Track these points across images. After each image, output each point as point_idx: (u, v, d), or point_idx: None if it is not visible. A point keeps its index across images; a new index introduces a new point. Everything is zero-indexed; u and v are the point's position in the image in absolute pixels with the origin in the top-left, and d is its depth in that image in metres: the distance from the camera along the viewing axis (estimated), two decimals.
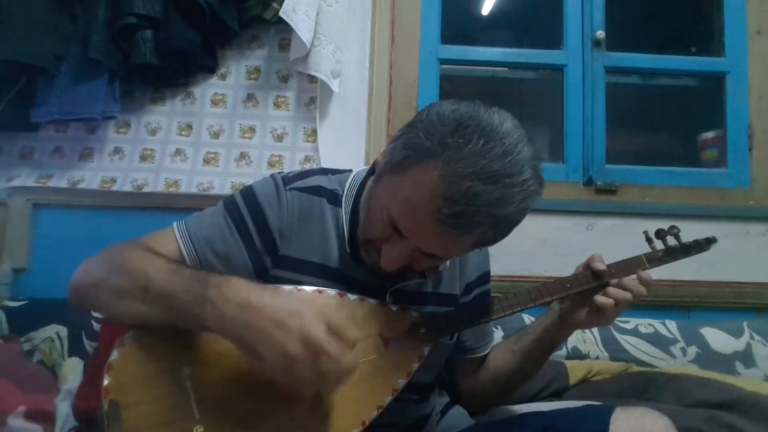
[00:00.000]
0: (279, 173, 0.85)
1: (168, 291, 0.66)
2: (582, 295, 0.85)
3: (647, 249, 0.92)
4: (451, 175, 0.63)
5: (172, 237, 0.79)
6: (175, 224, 0.81)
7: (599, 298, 0.82)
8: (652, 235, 0.91)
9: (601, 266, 0.85)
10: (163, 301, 0.66)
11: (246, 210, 0.80)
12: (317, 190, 0.84)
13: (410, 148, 0.67)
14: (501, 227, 0.67)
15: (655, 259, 0.90)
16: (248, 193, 0.83)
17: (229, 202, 0.83)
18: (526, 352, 0.93)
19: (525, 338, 0.94)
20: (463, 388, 1.00)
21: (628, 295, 0.82)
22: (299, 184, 0.83)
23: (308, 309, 0.61)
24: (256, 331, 0.59)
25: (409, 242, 0.70)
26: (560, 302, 0.89)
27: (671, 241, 0.91)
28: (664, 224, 0.92)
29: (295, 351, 0.58)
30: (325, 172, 0.88)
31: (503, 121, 0.67)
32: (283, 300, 0.63)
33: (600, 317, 0.84)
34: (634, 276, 0.86)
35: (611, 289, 0.83)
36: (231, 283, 0.64)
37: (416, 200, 0.65)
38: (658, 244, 0.91)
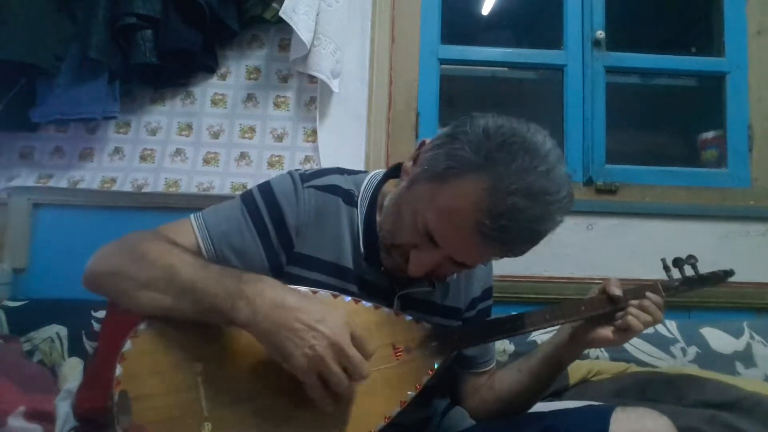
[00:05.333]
0: (296, 170, 0.85)
1: (197, 285, 0.66)
2: (596, 318, 0.85)
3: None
4: (497, 190, 0.64)
5: (190, 229, 0.78)
6: (192, 216, 0.80)
7: (631, 320, 0.82)
8: (669, 263, 0.90)
9: (617, 292, 0.84)
10: (189, 295, 0.66)
11: (264, 206, 0.80)
12: (333, 189, 0.84)
13: (453, 159, 0.68)
14: (534, 240, 0.70)
15: (671, 288, 0.89)
16: (266, 189, 0.82)
17: (247, 198, 0.82)
18: (533, 372, 0.91)
19: (533, 358, 0.93)
20: (470, 406, 0.98)
21: (650, 318, 0.83)
22: (316, 182, 0.83)
23: (338, 317, 0.64)
24: (288, 329, 0.62)
25: (441, 250, 0.71)
26: (572, 323, 0.88)
27: (688, 270, 0.90)
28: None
29: (323, 352, 0.61)
30: (341, 172, 0.88)
31: (545, 140, 0.69)
32: (316, 305, 0.65)
33: (623, 337, 0.84)
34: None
35: (634, 311, 0.83)
36: (265, 281, 0.66)
37: (458, 211, 0.66)
38: (675, 273, 0.90)
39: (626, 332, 0.83)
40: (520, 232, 0.66)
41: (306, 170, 0.86)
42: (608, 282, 0.86)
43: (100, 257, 0.74)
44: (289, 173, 0.84)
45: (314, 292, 0.75)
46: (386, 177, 0.86)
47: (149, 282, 0.68)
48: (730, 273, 0.93)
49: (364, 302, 0.78)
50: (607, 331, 0.84)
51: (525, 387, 0.92)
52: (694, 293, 0.92)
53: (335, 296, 0.77)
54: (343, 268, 0.81)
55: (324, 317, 0.63)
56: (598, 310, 0.85)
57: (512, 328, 0.84)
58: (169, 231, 0.77)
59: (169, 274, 0.67)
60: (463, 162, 0.66)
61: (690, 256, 0.89)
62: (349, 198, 0.84)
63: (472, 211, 0.65)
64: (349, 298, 0.77)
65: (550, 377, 0.91)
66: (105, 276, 0.72)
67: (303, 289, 0.75)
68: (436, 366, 0.79)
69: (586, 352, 1.32)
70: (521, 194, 0.64)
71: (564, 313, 0.85)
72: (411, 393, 0.76)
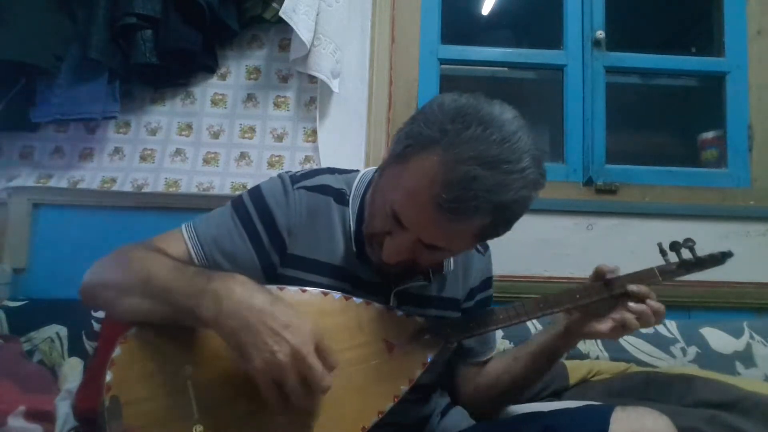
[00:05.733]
0: (287, 173, 0.86)
1: (169, 285, 0.67)
2: (591, 307, 0.85)
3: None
4: (449, 161, 0.63)
5: (180, 238, 0.79)
6: (183, 225, 0.81)
7: (627, 317, 0.80)
8: (666, 247, 0.88)
9: (612, 276, 0.84)
10: (164, 297, 0.67)
11: (254, 209, 0.81)
12: (324, 189, 0.84)
13: (411, 137, 0.68)
14: (500, 216, 0.67)
15: (668, 272, 0.88)
16: (256, 192, 0.83)
17: (237, 202, 0.83)
18: (528, 361, 0.92)
19: (528, 346, 0.93)
20: (463, 394, 1.00)
21: (652, 319, 0.81)
22: (307, 183, 0.84)
23: (305, 326, 0.63)
24: (251, 331, 0.61)
25: (410, 233, 0.70)
26: (567, 313, 0.88)
27: (686, 254, 0.88)
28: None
29: (283, 359, 0.60)
30: (332, 172, 0.89)
31: (503, 111, 0.68)
32: (285, 309, 0.64)
33: (618, 333, 0.83)
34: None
35: (635, 306, 0.81)
36: (236, 278, 0.66)
37: (416, 187, 0.66)
38: (672, 257, 0.89)
39: (623, 328, 0.82)
40: (478, 203, 0.64)
41: (296, 172, 0.86)
42: (601, 268, 0.86)
43: (92, 271, 0.76)
44: (279, 175, 0.85)
45: (304, 291, 0.76)
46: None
47: (130, 288, 0.69)
48: (728, 254, 0.91)
49: (354, 299, 0.78)
50: (602, 326, 0.83)
51: (520, 375, 0.92)
52: (692, 275, 0.90)
53: (325, 294, 0.77)
54: (337, 267, 0.81)
55: (290, 323, 0.62)
56: (593, 297, 0.84)
57: (506, 318, 0.83)
58: (160, 241, 0.79)
59: (146, 278, 0.68)
60: (419, 138, 0.67)
61: (687, 240, 0.87)
62: (341, 197, 0.84)
63: (429, 186, 0.64)
64: (339, 295, 0.78)
65: (545, 367, 0.92)
66: (95, 287, 0.74)
67: (292, 288, 0.76)
68: (429, 359, 0.79)
69: (586, 351, 1.34)
70: (474, 162, 0.63)
71: (558, 301, 0.84)
72: (404, 387, 0.76)
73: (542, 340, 0.91)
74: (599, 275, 0.86)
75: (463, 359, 0.98)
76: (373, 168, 0.89)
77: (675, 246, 0.88)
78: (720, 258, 0.91)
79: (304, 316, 0.64)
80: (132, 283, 0.69)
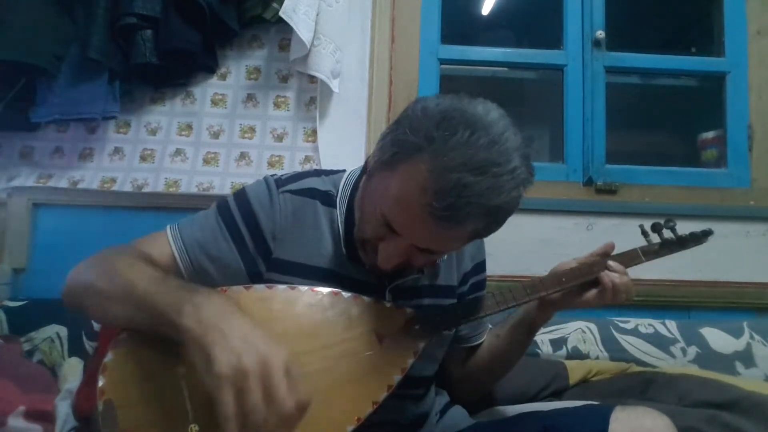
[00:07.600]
0: (272, 176, 0.85)
1: (151, 298, 0.65)
2: (576, 288, 0.87)
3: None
4: (439, 168, 0.62)
5: (165, 241, 0.79)
6: (168, 227, 0.81)
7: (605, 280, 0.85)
8: (648, 228, 0.91)
9: (597, 258, 0.87)
10: (144, 307, 0.66)
11: (238, 214, 0.81)
12: (310, 192, 0.84)
13: (397, 144, 0.67)
14: (494, 217, 0.67)
15: (650, 252, 0.90)
16: (241, 196, 0.83)
17: (221, 206, 0.83)
18: (507, 336, 0.97)
19: (507, 324, 0.98)
20: (452, 375, 1.02)
21: (622, 292, 0.85)
22: (292, 186, 0.84)
23: (281, 348, 0.59)
24: (222, 334, 0.57)
25: (403, 239, 0.70)
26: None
27: (667, 234, 0.90)
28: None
29: (249, 365, 0.55)
30: (318, 174, 0.89)
31: (488, 110, 0.67)
32: (263, 332, 0.60)
33: (593, 299, 0.86)
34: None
35: (607, 274, 0.86)
36: (221, 294, 0.66)
37: (407, 196, 0.65)
38: (654, 238, 0.91)
39: (595, 296, 0.86)
40: (471, 209, 0.63)
41: (282, 175, 0.86)
42: (593, 253, 0.90)
43: (74, 273, 0.75)
44: (265, 179, 0.85)
45: (293, 288, 0.76)
46: (363, 173, 0.86)
47: (112, 295, 0.69)
48: (708, 232, 0.93)
49: (343, 293, 0.78)
50: (575, 298, 0.87)
51: (503, 351, 0.98)
52: (675, 254, 0.93)
53: (314, 290, 0.77)
54: (326, 270, 0.81)
55: (266, 341, 0.58)
56: (579, 279, 0.86)
57: (494, 304, 0.85)
58: (144, 245, 0.78)
59: (129, 287, 0.68)
60: (406, 146, 0.66)
61: (668, 219, 0.90)
62: (328, 199, 0.84)
63: (419, 194, 0.64)
64: (328, 290, 0.78)
65: (526, 338, 0.96)
66: (78, 290, 0.74)
67: (281, 286, 0.76)
68: (420, 348, 0.80)
69: (586, 351, 1.34)
70: (464, 169, 0.62)
71: (545, 285, 0.86)
72: (397, 377, 0.76)
73: (518, 317, 0.95)
74: (585, 261, 0.89)
75: (455, 344, 0.99)
76: (358, 168, 0.89)
77: (656, 227, 0.90)
78: (701, 236, 0.93)
79: (284, 345, 0.60)
80: (116, 291, 0.68)
